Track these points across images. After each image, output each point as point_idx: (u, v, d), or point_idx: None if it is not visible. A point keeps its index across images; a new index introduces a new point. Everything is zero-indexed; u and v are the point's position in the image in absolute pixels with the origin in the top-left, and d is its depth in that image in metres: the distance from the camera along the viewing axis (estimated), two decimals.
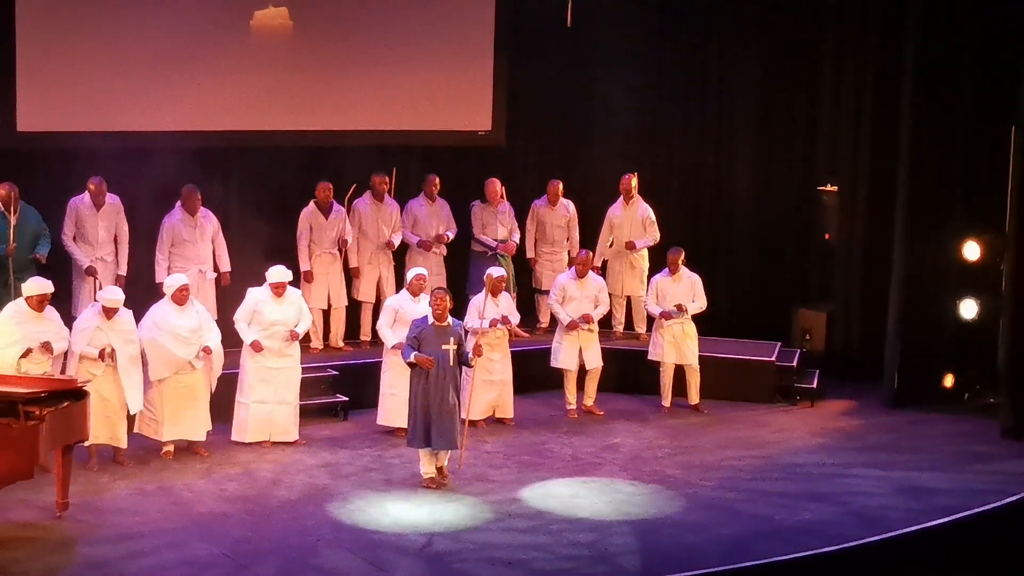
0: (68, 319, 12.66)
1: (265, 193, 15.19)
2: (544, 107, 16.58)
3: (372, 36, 15.57)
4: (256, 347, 13.07)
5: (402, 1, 15.82)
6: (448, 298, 12.28)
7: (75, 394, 11.02)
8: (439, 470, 12.27)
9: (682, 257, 14.77)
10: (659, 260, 15.59)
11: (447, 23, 16.08)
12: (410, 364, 12.13)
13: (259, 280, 13.28)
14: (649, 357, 14.90)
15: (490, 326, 13.66)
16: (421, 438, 12.09)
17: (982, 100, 14.79)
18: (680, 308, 14.58)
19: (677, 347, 14.70)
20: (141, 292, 13.54)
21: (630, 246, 15.75)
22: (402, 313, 13.32)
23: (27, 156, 14.07)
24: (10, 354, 11.75)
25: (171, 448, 12.74)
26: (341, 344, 15.26)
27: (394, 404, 13.47)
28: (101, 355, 12.07)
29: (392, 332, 13.33)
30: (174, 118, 14.47)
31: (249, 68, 14.99)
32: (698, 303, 14.75)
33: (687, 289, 14.74)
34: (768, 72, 16.81)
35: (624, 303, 15.94)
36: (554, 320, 15.48)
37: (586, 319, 14.39)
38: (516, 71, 16.52)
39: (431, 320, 12.15)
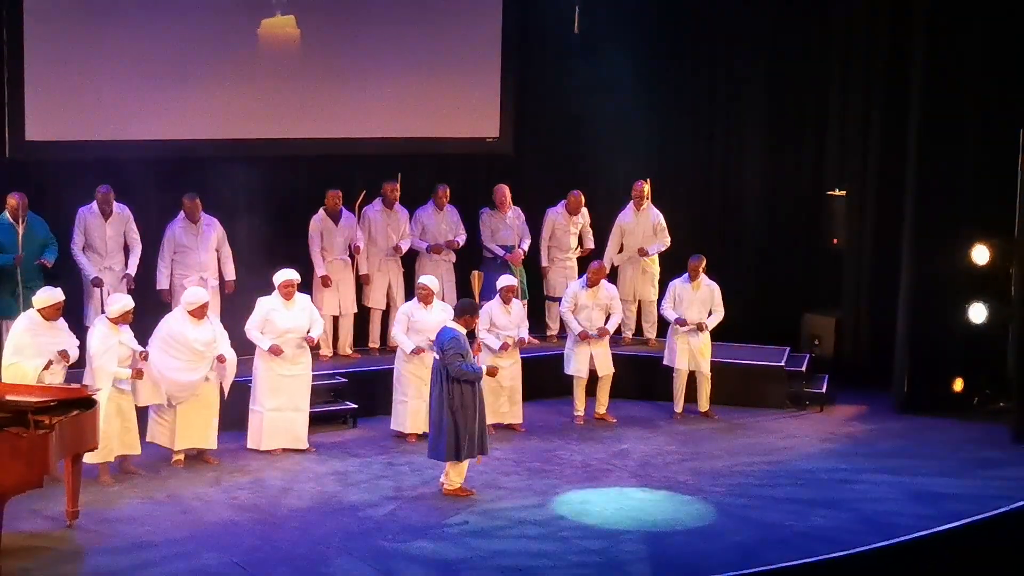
0: (80, 330, 12.64)
1: (273, 202, 15.15)
2: (552, 114, 16.56)
3: (379, 44, 15.57)
4: (276, 351, 13.03)
5: (409, 9, 15.82)
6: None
7: (84, 403, 11.01)
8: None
9: (703, 265, 14.76)
10: (669, 264, 15.62)
11: (454, 30, 16.08)
12: (485, 375, 12.21)
13: (268, 288, 13.26)
14: (664, 362, 14.90)
15: (501, 349, 13.81)
16: (470, 449, 12.03)
17: (990, 104, 14.76)
18: (701, 328, 14.61)
19: (691, 353, 14.70)
20: (150, 302, 13.55)
21: (642, 252, 15.73)
22: (414, 321, 13.38)
23: (35, 165, 14.08)
24: (30, 367, 11.76)
25: (181, 457, 12.75)
26: (350, 351, 15.27)
27: (405, 411, 13.59)
28: (138, 374, 12.18)
29: (408, 338, 13.41)
30: (182, 127, 14.49)
31: (256, 76, 15.01)
32: (715, 316, 14.75)
33: (705, 297, 14.72)
34: (776, 77, 16.80)
35: (635, 308, 15.94)
36: (563, 327, 15.49)
37: (602, 333, 14.43)
38: (524, 78, 16.52)
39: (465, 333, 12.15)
